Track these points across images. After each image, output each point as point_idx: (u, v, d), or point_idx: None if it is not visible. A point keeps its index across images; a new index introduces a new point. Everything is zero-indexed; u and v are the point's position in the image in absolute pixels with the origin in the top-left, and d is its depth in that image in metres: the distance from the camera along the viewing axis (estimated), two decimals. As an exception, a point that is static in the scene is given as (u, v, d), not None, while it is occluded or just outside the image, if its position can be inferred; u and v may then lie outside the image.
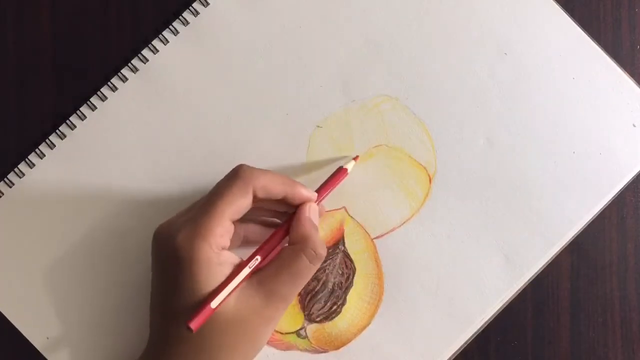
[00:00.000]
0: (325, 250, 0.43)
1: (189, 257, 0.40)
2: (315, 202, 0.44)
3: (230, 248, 0.42)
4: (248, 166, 0.43)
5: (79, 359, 0.47)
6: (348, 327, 0.48)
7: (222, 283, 0.40)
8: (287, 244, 0.44)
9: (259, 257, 0.42)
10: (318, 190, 0.45)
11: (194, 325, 0.39)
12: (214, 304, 0.39)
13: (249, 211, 0.43)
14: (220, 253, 0.41)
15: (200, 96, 0.49)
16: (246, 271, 0.41)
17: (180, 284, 0.41)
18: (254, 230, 0.46)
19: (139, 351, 0.44)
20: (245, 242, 0.46)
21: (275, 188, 0.43)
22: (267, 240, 0.43)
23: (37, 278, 0.48)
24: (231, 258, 0.42)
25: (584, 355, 0.49)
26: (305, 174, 0.49)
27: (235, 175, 0.42)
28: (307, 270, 0.42)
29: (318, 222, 0.44)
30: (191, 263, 0.40)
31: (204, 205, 0.42)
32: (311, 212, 0.44)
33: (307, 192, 0.44)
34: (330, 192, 0.46)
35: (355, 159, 0.48)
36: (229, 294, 0.40)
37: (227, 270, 0.41)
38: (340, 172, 0.47)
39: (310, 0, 0.49)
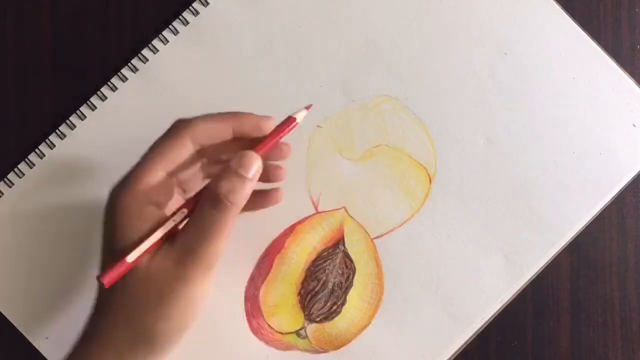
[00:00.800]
0: (239, 196, 0.38)
1: (114, 210, 0.39)
2: (260, 152, 0.40)
3: None
4: (183, 118, 0.40)
5: None
6: (348, 327, 0.48)
7: (141, 237, 0.38)
8: None
9: (185, 210, 0.39)
10: (263, 139, 0.41)
11: (105, 280, 0.37)
12: (129, 258, 0.37)
13: (204, 168, 0.42)
14: (145, 207, 0.39)
15: (200, 96, 0.49)
16: (169, 224, 0.38)
17: (106, 238, 0.39)
18: None
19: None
20: None
21: (218, 126, 0.40)
22: (197, 193, 0.40)
23: (37, 278, 0.48)
24: (158, 214, 0.39)
25: (584, 355, 0.49)
26: (305, 174, 0.49)
27: (170, 127, 0.40)
28: (211, 219, 0.38)
29: (252, 170, 0.39)
30: (114, 216, 0.39)
31: (139, 161, 0.40)
32: (241, 161, 0.39)
33: (254, 116, 0.41)
34: (275, 142, 0.41)
35: (307, 108, 0.43)
36: (148, 249, 0.38)
37: (148, 225, 0.39)
38: (288, 121, 0.42)
39: (310, 0, 0.49)
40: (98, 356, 0.39)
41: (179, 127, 0.40)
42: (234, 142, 0.41)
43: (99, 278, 0.37)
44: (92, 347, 0.39)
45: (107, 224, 0.40)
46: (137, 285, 0.38)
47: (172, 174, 0.40)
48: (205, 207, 0.38)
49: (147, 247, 0.38)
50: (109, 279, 0.37)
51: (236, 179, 0.38)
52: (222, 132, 0.40)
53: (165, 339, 0.39)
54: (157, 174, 0.39)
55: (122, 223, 0.38)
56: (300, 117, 0.42)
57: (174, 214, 0.39)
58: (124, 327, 0.39)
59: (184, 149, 0.40)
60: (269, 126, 0.41)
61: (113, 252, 0.39)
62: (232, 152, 0.41)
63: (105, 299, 0.40)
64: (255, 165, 0.39)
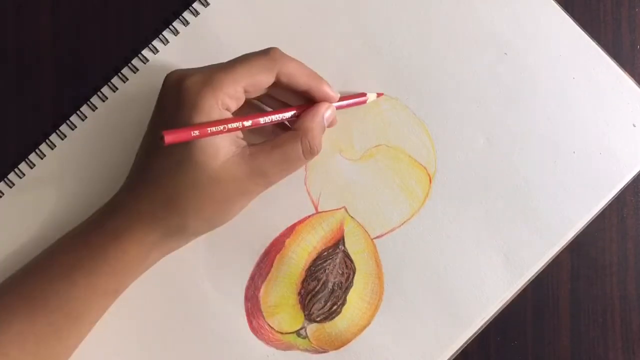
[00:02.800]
0: (320, 150, 0.44)
1: (193, 102, 0.40)
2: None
3: None
4: (281, 51, 0.43)
5: (79, 358, 0.47)
6: (348, 327, 0.48)
7: (213, 122, 0.40)
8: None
9: (252, 120, 0.42)
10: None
11: (168, 136, 0.38)
12: (195, 131, 0.39)
13: (263, 97, 0.44)
14: (222, 111, 0.41)
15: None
16: (237, 124, 0.41)
17: (175, 123, 0.41)
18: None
19: (138, 351, 0.44)
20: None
21: (301, 78, 0.43)
22: (268, 112, 0.43)
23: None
24: (228, 112, 0.42)
25: (584, 355, 0.49)
26: (305, 174, 0.49)
27: (266, 53, 0.43)
28: (297, 159, 0.43)
29: (324, 126, 0.45)
30: (192, 108, 0.40)
31: (223, 65, 0.42)
32: (326, 111, 0.44)
33: (330, 90, 0.45)
34: (343, 107, 0.47)
35: (379, 94, 0.49)
36: (211, 133, 0.40)
37: (220, 116, 0.42)
38: (359, 95, 0.47)
39: (310, 1, 0.49)
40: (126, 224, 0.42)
41: (273, 57, 0.43)
42: (296, 95, 0.45)
43: (161, 134, 0.38)
44: (123, 216, 0.43)
45: (174, 111, 0.41)
46: (206, 179, 0.41)
47: (246, 91, 0.42)
48: (297, 145, 0.43)
49: (214, 129, 0.40)
50: (172, 137, 0.38)
51: (320, 135, 0.44)
52: (301, 85, 0.44)
53: (197, 233, 0.44)
54: (238, 87, 0.41)
55: (202, 118, 0.40)
56: (371, 97, 0.48)
57: (244, 118, 0.42)
58: (164, 211, 0.42)
59: (270, 77, 0.43)
60: (332, 108, 0.45)
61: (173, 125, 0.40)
62: (290, 99, 0.45)
63: (158, 181, 0.42)
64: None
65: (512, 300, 0.48)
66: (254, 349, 0.48)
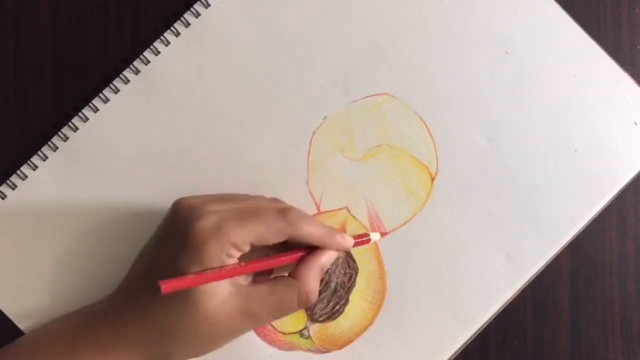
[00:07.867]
0: (315, 299, 0.44)
1: (197, 249, 0.40)
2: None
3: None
4: (299, 213, 0.43)
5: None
6: (351, 326, 0.48)
7: (212, 271, 0.41)
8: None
9: (251, 267, 0.42)
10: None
11: (165, 285, 0.38)
12: (192, 280, 0.40)
13: None
14: (225, 259, 0.41)
15: (201, 97, 0.49)
16: (236, 267, 0.41)
17: (175, 263, 0.41)
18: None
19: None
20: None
21: (314, 239, 0.43)
22: (269, 259, 0.43)
23: (39, 280, 0.48)
24: (232, 257, 0.42)
25: (584, 355, 0.50)
26: (307, 174, 0.49)
27: (283, 215, 0.42)
28: (291, 308, 0.43)
29: (323, 273, 0.45)
30: (195, 254, 0.40)
31: (240, 214, 0.42)
32: (325, 259, 0.44)
33: (344, 240, 0.45)
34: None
35: (382, 234, 0.49)
36: (208, 281, 0.40)
37: (223, 261, 0.41)
38: (363, 235, 0.48)
39: (310, 1, 0.49)
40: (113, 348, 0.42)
41: (291, 222, 0.42)
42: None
43: (158, 283, 0.38)
44: (108, 337, 0.43)
45: (177, 249, 0.41)
46: (199, 319, 0.41)
47: (252, 245, 0.42)
48: (293, 296, 0.43)
49: (212, 276, 0.40)
50: (169, 286, 0.39)
51: (318, 284, 0.44)
52: (314, 243, 0.44)
53: None
54: (248, 242, 0.41)
55: (203, 265, 0.40)
56: (374, 238, 0.48)
57: (244, 265, 0.42)
58: (152, 339, 0.42)
59: (281, 239, 0.42)
60: (332, 254, 0.45)
61: (174, 266, 0.41)
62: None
63: (150, 310, 0.42)
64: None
65: (512, 300, 0.49)
66: (257, 349, 0.48)
